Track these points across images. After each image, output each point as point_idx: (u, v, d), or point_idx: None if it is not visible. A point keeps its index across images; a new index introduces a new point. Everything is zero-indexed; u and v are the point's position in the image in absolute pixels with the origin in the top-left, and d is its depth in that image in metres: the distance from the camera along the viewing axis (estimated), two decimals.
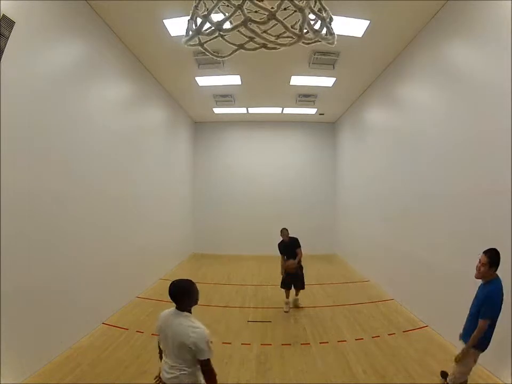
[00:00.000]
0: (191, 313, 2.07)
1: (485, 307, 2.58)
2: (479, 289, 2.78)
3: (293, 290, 5.63)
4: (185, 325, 1.97)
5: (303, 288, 5.64)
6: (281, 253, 5.64)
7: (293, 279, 5.50)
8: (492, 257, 2.62)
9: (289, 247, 5.50)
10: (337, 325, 4.89)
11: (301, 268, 5.53)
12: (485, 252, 2.67)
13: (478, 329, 2.59)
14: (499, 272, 2.70)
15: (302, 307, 5.60)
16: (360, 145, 8.56)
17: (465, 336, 2.77)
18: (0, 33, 2.84)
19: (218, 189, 11.11)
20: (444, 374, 3.21)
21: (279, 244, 5.64)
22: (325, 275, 8.04)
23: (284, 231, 5.58)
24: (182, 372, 1.96)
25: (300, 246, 5.49)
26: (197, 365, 1.96)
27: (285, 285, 5.57)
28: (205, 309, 5.39)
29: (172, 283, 2.07)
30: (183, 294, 2.04)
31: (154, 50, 5.89)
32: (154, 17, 4.78)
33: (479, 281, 2.81)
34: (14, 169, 3.13)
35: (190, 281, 2.11)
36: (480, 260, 2.68)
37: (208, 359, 1.92)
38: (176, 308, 2.07)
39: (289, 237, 5.57)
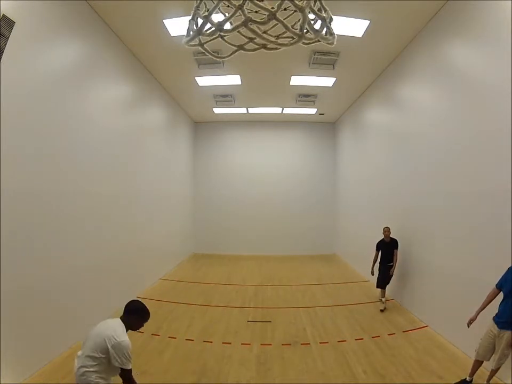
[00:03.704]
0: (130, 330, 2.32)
1: None
2: None
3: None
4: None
5: (382, 287, 5.62)
6: (377, 249, 5.66)
7: (381, 276, 5.61)
8: None
9: (388, 247, 5.53)
10: (337, 325, 4.90)
11: (391, 268, 5.53)
12: None
13: None
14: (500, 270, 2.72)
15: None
16: (360, 145, 8.56)
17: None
18: (0, 33, 2.84)
19: (218, 188, 11.11)
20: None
21: (378, 242, 5.66)
22: (325, 275, 8.05)
23: (386, 230, 5.57)
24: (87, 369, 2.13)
25: (397, 248, 5.51)
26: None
27: (377, 284, 5.72)
28: (205, 309, 5.32)
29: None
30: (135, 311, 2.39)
31: (154, 50, 5.89)
32: (154, 17, 4.78)
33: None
34: (14, 169, 3.13)
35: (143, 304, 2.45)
36: None
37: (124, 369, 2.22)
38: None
39: (390, 237, 5.57)
